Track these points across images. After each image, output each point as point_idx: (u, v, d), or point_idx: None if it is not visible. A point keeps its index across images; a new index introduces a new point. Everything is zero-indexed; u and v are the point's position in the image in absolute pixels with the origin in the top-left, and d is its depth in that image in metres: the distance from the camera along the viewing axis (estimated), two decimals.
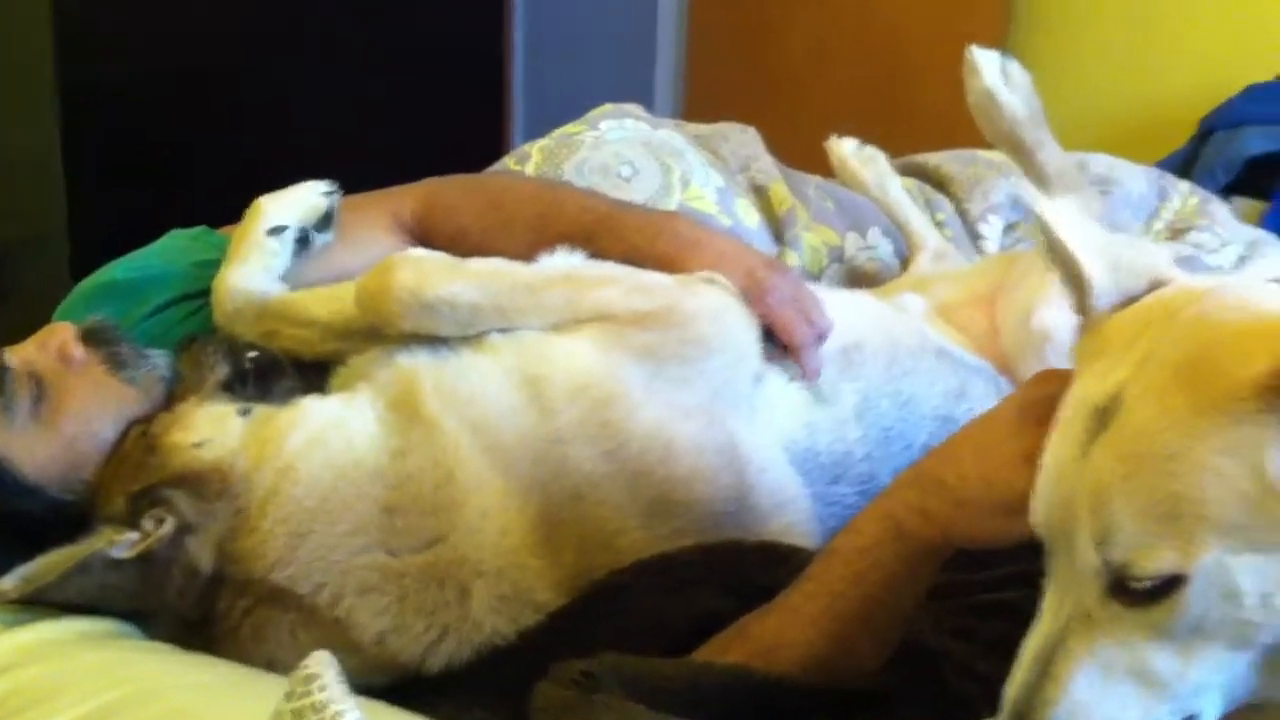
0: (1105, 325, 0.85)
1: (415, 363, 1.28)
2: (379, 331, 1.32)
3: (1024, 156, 1.71)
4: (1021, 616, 0.89)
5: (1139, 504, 0.75)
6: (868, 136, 2.20)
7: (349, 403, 1.28)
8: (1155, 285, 0.87)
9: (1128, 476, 0.76)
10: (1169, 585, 0.75)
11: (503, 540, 1.20)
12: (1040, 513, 0.84)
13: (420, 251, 1.36)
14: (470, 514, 1.20)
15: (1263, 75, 3.60)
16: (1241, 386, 0.72)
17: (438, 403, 1.24)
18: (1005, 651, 0.97)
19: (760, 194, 2.02)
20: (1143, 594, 0.76)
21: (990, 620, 1.16)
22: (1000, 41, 4.11)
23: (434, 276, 1.28)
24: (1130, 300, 0.87)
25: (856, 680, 1.03)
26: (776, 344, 1.39)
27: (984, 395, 1.53)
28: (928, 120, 2.87)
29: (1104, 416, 0.78)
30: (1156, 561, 0.75)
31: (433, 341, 1.31)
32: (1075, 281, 0.88)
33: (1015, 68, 1.68)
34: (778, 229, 1.99)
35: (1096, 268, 0.87)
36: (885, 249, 2.08)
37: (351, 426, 1.24)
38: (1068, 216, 0.90)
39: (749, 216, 1.94)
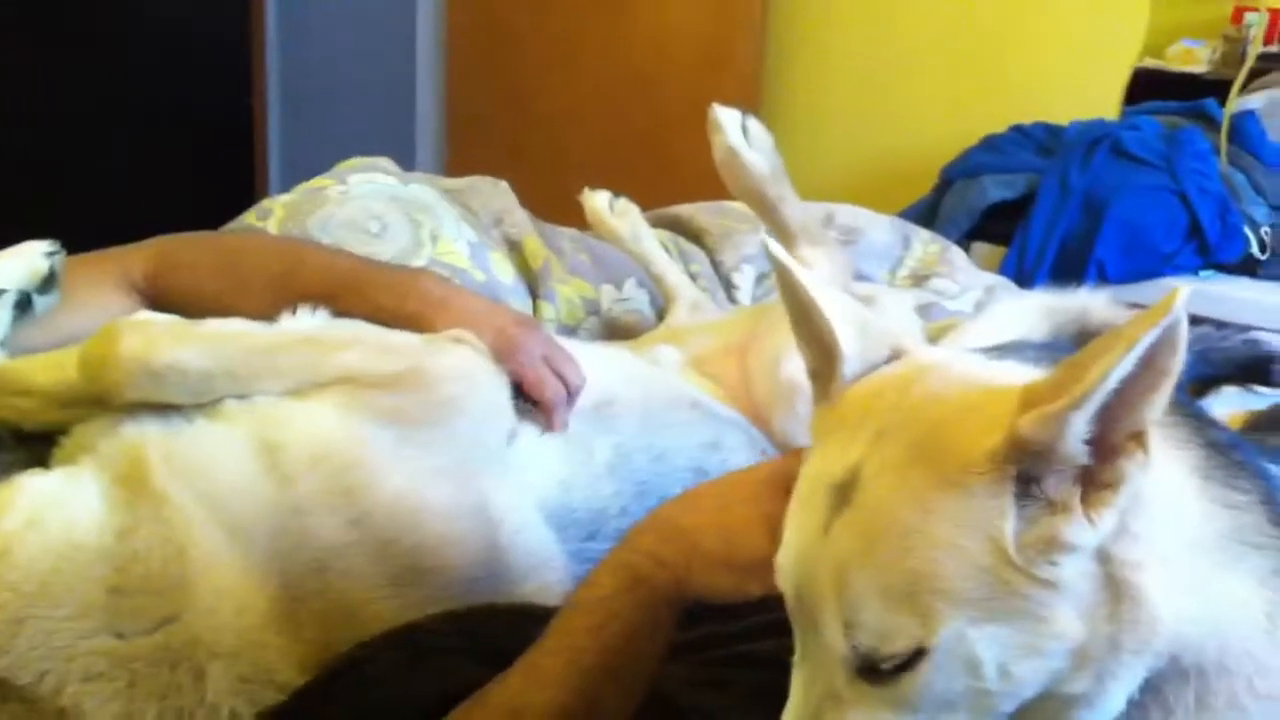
0: (841, 400, 0.85)
1: (143, 433, 1.21)
2: (106, 400, 1.24)
3: (767, 211, 1.76)
4: (774, 666, 0.89)
5: (879, 583, 0.75)
6: (622, 189, 2.22)
7: (71, 478, 1.20)
8: (895, 354, 0.88)
9: (867, 555, 0.76)
10: (911, 660, 0.75)
11: (240, 619, 1.14)
12: (786, 590, 0.84)
13: (148, 315, 1.29)
14: (204, 592, 1.14)
15: (998, 126, 3.79)
16: (973, 461, 0.74)
17: (167, 475, 1.17)
18: (758, 703, 0.97)
19: (514, 248, 2.01)
20: (888, 671, 0.76)
21: (742, 672, 1.16)
22: (753, 97, 4.23)
23: (161, 342, 1.21)
24: (871, 369, 0.87)
25: None
26: (529, 401, 1.38)
27: (738, 446, 1.54)
28: (681, 173, 2.92)
29: (843, 493, 0.79)
30: (899, 643, 0.75)
31: (164, 409, 1.24)
32: (824, 349, 0.88)
33: (755, 125, 1.73)
34: (533, 283, 1.98)
35: (849, 337, 0.87)
36: (641, 301, 2.10)
37: (73, 504, 1.16)
38: (818, 279, 0.90)
39: (503, 271, 1.93)
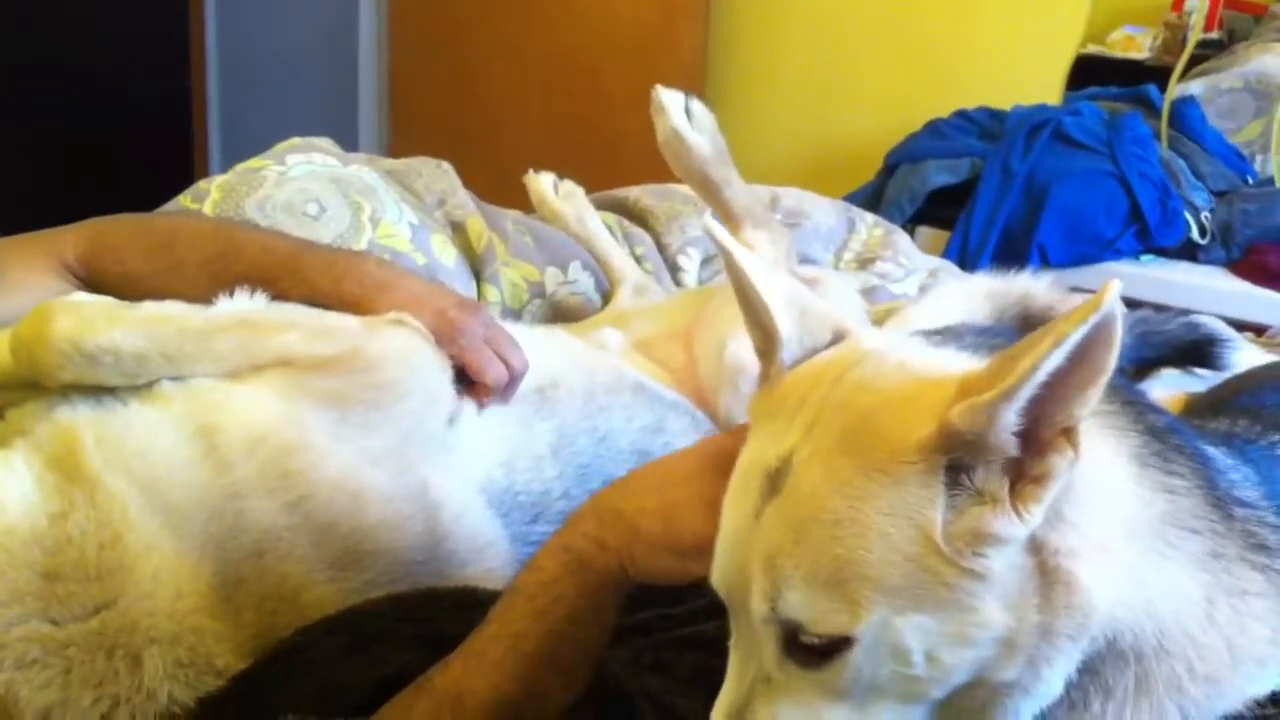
0: (780, 384, 0.85)
1: (76, 416, 1.19)
2: (39, 383, 1.22)
3: (711, 193, 1.76)
4: (716, 648, 0.89)
5: (807, 569, 0.76)
6: (566, 171, 2.21)
7: (3, 462, 1.17)
8: (838, 337, 0.88)
9: (796, 541, 0.76)
10: (839, 645, 0.76)
11: (177, 603, 1.12)
12: (718, 576, 0.84)
13: (81, 296, 1.27)
14: (140, 577, 1.12)
15: (942, 111, 3.81)
16: (903, 450, 0.74)
17: (101, 459, 1.15)
18: (702, 685, 0.97)
19: (457, 230, 1.99)
20: (815, 654, 0.76)
21: (686, 654, 1.16)
22: (698, 79, 4.23)
23: (95, 323, 1.19)
24: (813, 352, 0.87)
25: None
26: (471, 384, 1.37)
27: (682, 430, 1.54)
28: (624, 156, 2.92)
29: (775, 480, 0.79)
30: (824, 624, 0.75)
31: (98, 392, 1.21)
32: (765, 332, 0.88)
33: (699, 108, 1.72)
34: (476, 265, 1.97)
35: (786, 321, 0.87)
36: (586, 283, 2.09)
37: (4, 488, 1.14)
38: (760, 263, 0.90)
39: (445, 253, 1.91)
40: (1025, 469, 0.73)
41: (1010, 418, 0.71)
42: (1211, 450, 0.90)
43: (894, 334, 0.87)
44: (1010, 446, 0.73)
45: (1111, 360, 0.69)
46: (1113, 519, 0.78)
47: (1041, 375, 0.69)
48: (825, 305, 0.92)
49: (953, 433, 0.72)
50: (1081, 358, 0.69)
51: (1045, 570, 0.75)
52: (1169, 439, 0.84)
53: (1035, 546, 0.75)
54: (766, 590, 0.77)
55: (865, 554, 0.74)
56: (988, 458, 0.73)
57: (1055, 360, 0.68)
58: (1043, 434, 0.72)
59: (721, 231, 0.90)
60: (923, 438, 0.73)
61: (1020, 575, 0.74)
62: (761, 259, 0.92)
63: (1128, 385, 0.86)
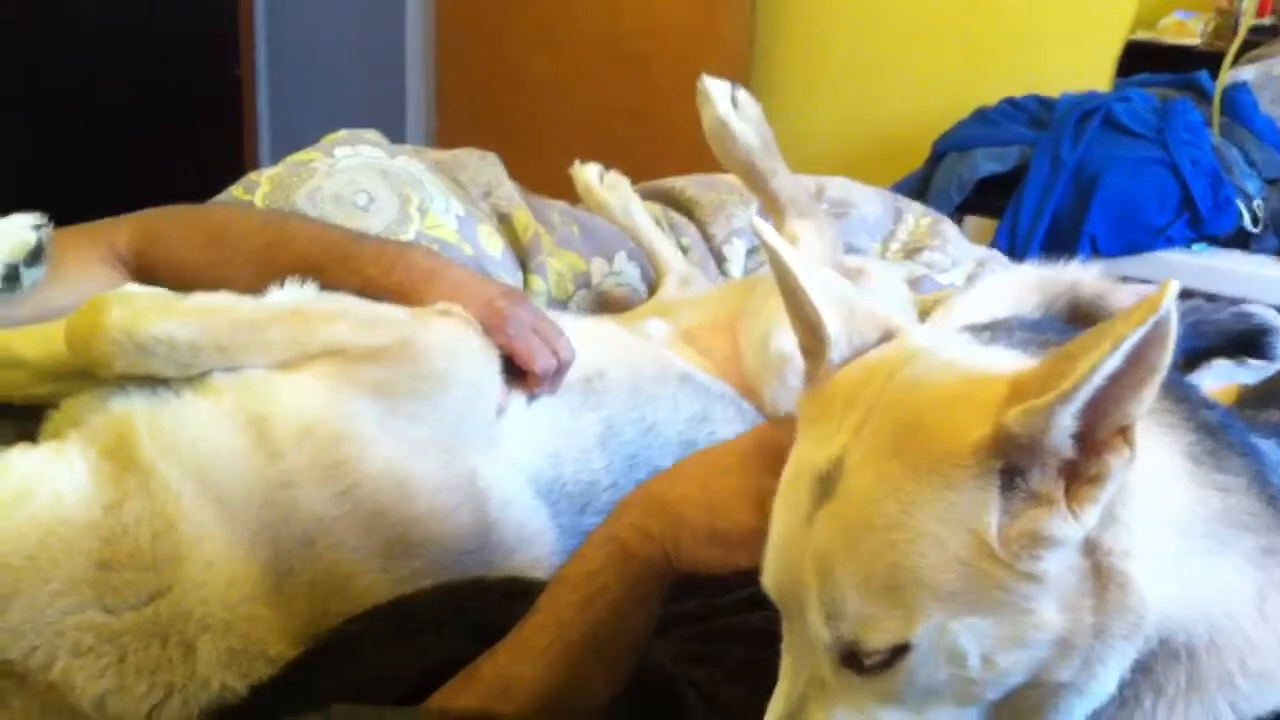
0: (829, 384, 0.85)
1: (130, 407, 1.20)
2: (93, 373, 1.24)
3: (757, 183, 1.75)
4: (762, 639, 0.89)
5: (861, 575, 0.75)
6: (611, 163, 2.21)
7: (58, 452, 1.19)
8: (886, 336, 0.88)
9: (850, 548, 0.76)
10: (896, 653, 0.75)
11: (230, 591, 1.13)
12: (770, 580, 0.84)
13: (135, 287, 1.28)
14: (194, 566, 1.13)
15: (990, 99, 3.78)
16: (957, 454, 0.73)
17: (155, 449, 1.16)
18: (748, 677, 0.97)
19: (503, 221, 1.99)
20: (873, 665, 0.76)
21: (732, 646, 1.16)
22: (744, 70, 4.22)
23: (149, 314, 1.20)
24: (861, 351, 0.87)
25: (591, 714, 1.01)
26: (519, 374, 1.37)
27: (727, 419, 1.54)
28: (670, 147, 2.91)
29: (826, 484, 0.78)
30: (882, 635, 0.75)
31: (151, 383, 1.23)
32: (813, 331, 0.88)
33: (745, 97, 1.72)
34: (522, 256, 1.97)
35: (835, 322, 0.86)
36: (632, 274, 2.09)
37: (60, 479, 1.15)
38: (807, 260, 0.89)
39: (492, 244, 1.92)
40: (1080, 470, 0.73)
41: (1067, 420, 0.71)
42: (1263, 445, 0.89)
43: (942, 331, 0.86)
44: (1066, 448, 0.72)
45: (1166, 360, 0.68)
46: (1166, 518, 0.78)
47: (1099, 379, 0.68)
48: (873, 303, 0.91)
49: (1008, 436, 0.72)
50: (1138, 358, 0.68)
51: (1100, 571, 0.74)
52: (1221, 435, 0.83)
53: (1090, 547, 0.74)
54: (821, 600, 0.77)
55: (920, 559, 0.73)
56: (1043, 460, 0.73)
57: (1113, 363, 0.68)
58: (1098, 434, 0.72)
59: (768, 229, 0.90)
60: (977, 440, 0.72)
61: (1075, 576, 0.74)
62: (808, 256, 0.91)
63: (1179, 380, 0.86)
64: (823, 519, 0.78)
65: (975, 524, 0.73)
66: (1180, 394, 0.83)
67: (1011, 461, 0.73)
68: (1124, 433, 0.72)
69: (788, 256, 0.88)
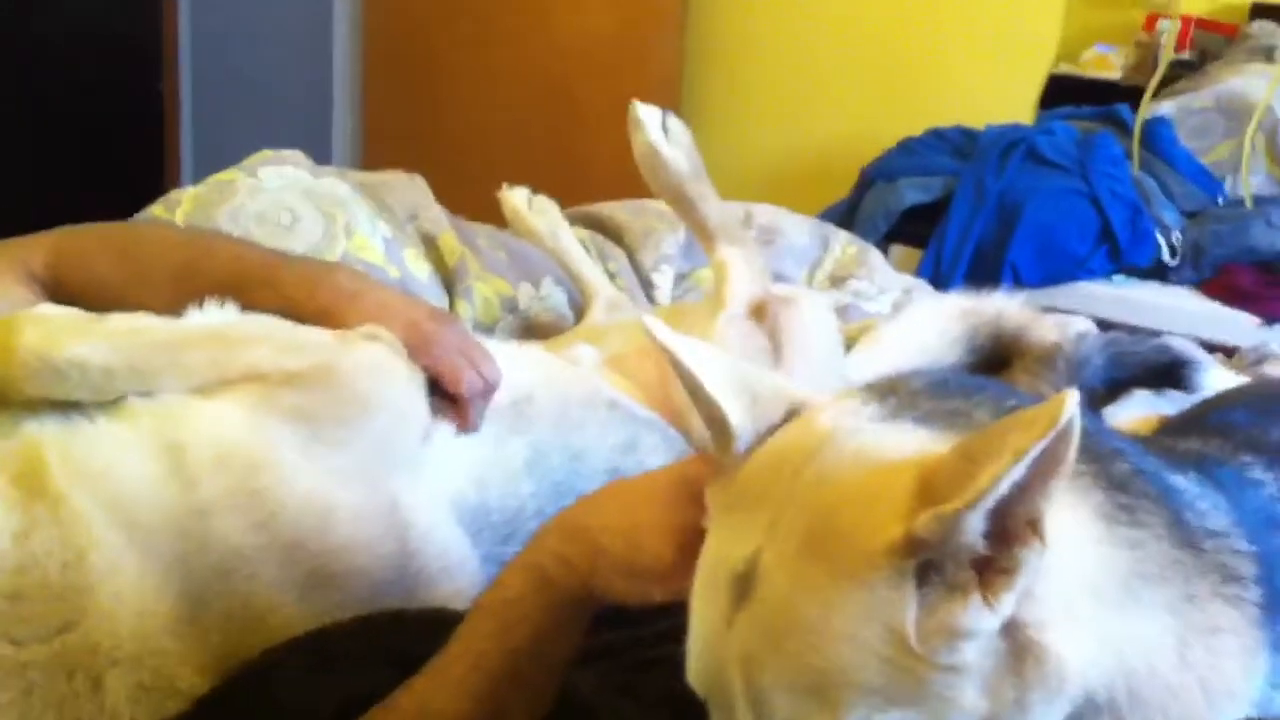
0: (738, 474, 0.85)
1: (41, 432, 1.16)
2: (4, 398, 1.20)
3: (686, 209, 1.75)
4: (677, 670, 0.88)
5: (786, 678, 0.75)
6: (540, 186, 2.21)
7: None
8: (792, 413, 0.87)
9: (773, 650, 0.76)
10: None
11: (140, 624, 1.10)
12: (695, 677, 0.84)
13: (49, 308, 1.25)
14: (104, 597, 1.10)
15: (915, 129, 3.83)
16: (870, 555, 0.73)
17: (65, 476, 1.13)
18: (669, 708, 0.96)
19: (430, 244, 1.98)
20: None
21: (656, 677, 1.15)
22: (673, 98, 4.23)
23: (62, 336, 1.17)
24: (769, 432, 0.87)
25: None
26: (443, 396, 1.35)
27: (655, 448, 1.53)
28: (598, 174, 2.91)
29: (744, 585, 0.78)
30: None
31: (64, 407, 1.19)
32: (717, 424, 0.87)
33: (675, 123, 1.72)
34: (449, 280, 1.96)
35: (737, 412, 0.86)
36: (559, 299, 2.08)
37: None
38: (701, 353, 0.88)
39: (418, 267, 1.90)
40: (994, 561, 0.73)
41: (975, 523, 0.71)
42: (1179, 481, 0.89)
43: (848, 403, 0.85)
44: (978, 545, 0.72)
45: (1070, 460, 0.69)
46: (1079, 583, 0.78)
47: (1002, 489, 0.69)
48: (775, 379, 0.91)
49: (918, 541, 0.72)
50: (1041, 463, 0.69)
51: (1017, 647, 0.75)
52: (1133, 486, 0.84)
53: (1006, 627, 0.74)
54: (748, 700, 0.77)
55: (842, 659, 0.74)
56: (955, 556, 0.73)
57: (1015, 474, 0.68)
58: (1009, 529, 0.72)
59: (657, 326, 0.89)
60: (889, 542, 0.72)
61: (995, 659, 0.74)
62: (701, 347, 0.90)
63: (1091, 427, 0.85)
64: (743, 621, 0.78)
65: (893, 622, 0.73)
66: (1091, 451, 0.83)
67: (924, 559, 0.73)
68: (1033, 525, 0.72)
69: (681, 352, 0.87)
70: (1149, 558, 0.81)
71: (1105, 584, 0.79)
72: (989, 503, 0.70)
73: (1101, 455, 0.84)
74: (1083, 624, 0.77)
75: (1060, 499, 0.75)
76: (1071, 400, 0.67)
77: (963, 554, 0.72)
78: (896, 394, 0.85)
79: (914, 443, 0.79)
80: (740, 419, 0.86)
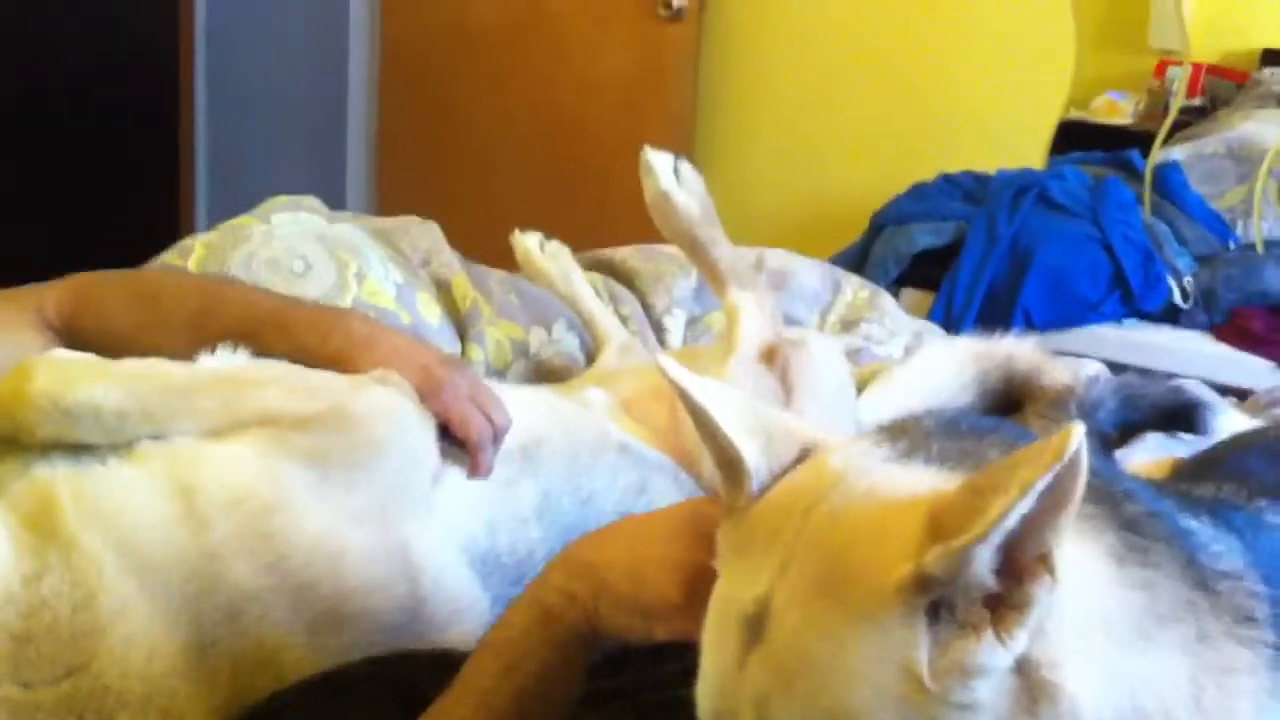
0: (750, 515, 0.85)
1: (53, 475, 1.17)
2: (18, 440, 1.21)
3: (698, 254, 1.76)
4: (690, 712, 0.88)
5: (799, 718, 0.75)
6: (552, 229, 2.22)
7: None
8: (805, 453, 0.87)
9: (785, 691, 0.76)
10: None
11: (150, 666, 1.10)
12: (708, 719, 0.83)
13: (62, 353, 1.26)
14: (114, 640, 1.10)
15: (927, 174, 3.84)
16: (881, 594, 0.73)
17: (77, 519, 1.13)
18: None
19: (442, 289, 1.99)
20: None
21: (665, 718, 1.14)
22: (685, 141, 4.26)
23: (75, 379, 1.18)
24: (782, 473, 0.86)
25: None
26: (454, 441, 1.36)
27: (665, 490, 1.53)
28: (610, 216, 2.92)
29: (755, 626, 0.78)
30: None
31: (77, 450, 1.20)
32: (731, 464, 0.87)
33: (687, 168, 1.73)
34: (461, 324, 1.97)
35: (752, 452, 0.86)
36: (571, 343, 2.08)
37: None
38: (716, 393, 0.88)
39: (430, 312, 1.91)
40: (1005, 598, 0.73)
41: (984, 558, 0.71)
42: (1193, 524, 0.89)
43: (860, 444, 0.85)
44: (988, 581, 0.72)
45: (1079, 493, 0.69)
46: (1092, 622, 0.77)
47: (1011, 522, 0.69)
48: (789, 420, 0.91)
49: (929, 578, 0.72)
50: (1049, 496, 0.69)
51: (1030, 685, 0.74)
52: (1146, 528, 0.83)
53: (1019, 665, 0.74)
54: None
55: (855, 699, 0.73)
56: (967, 592, 0.73)
57: (1023, 507, 0.68)
58: (1019, 564, 0.72)
59: (672, 365, 0.88)
60: (899, 580, 0.72)
61: (1008, 697, 0.74)
62: (716, 385, 0.90)
63: (1104, 473, 0.85)
64: (755, 662, 0.78)
65: (906, 660, 0.73)
66: (1103, 492, 0.83)
67: (936, 595, 0.73)
68: (1044, 559, 0.72)
69: (695, 390, 0.87)
70: (1161, 598, 0.81)
71: (1118, 622, 0.78)
72: (997, 537, 0.70)
73: (1114, 496, 0.84)
74: (1096, 662, 0.76)
75: (1072, 538, 0.75)
76: (1077, 433, 0.67)
77: (973, 590, 0.72)
78: (909, 435, 0.85)
79: (925, 482, 0.79)
80: (755, 459, 0.86)
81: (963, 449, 0.83)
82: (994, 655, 0.72)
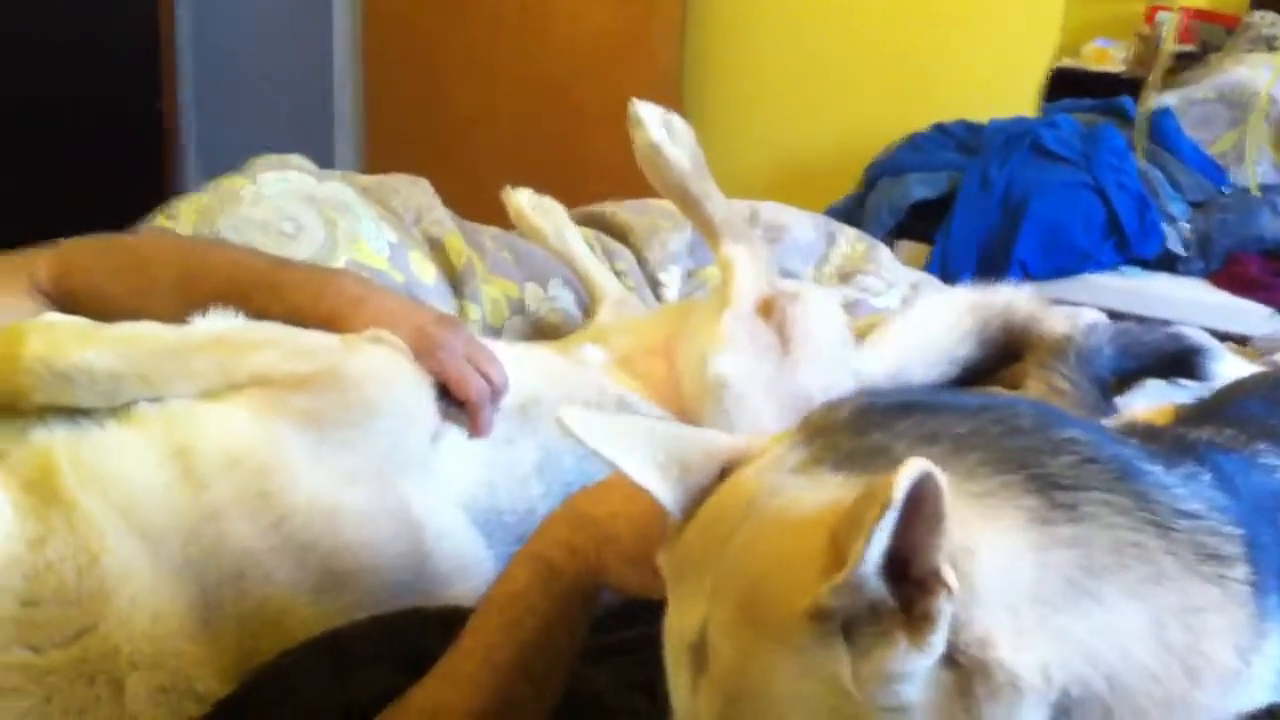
0: (680, 541, 0.86)
1: (51, 439, 1.17)
2: (12, 406, 1.20)
3: (690, 207, 1.75)
4: None
5: None
6: (542, 186, 2.20)
7: None
8: (728, 468, 0.88)
9: (732, 716, 0.78)
10: None
11: (157, 627, 1.10)
12: None
13: (55, 316, 1.25)
14: (120, 601, 1.10)
15: (920, 124, 3.82)
16: (795, 620, 0.74)
17: (77, 482, 1.13)
18: None
19: (436, 247, 1.97)
20: None
21: None
22: (674, 96, 4.23)
23: (68, 343, 1.17)
24: (704, 496, 0.87)
25: None
26: (452, 401, 1.35)
27: None
28: (600, 173, 2.91)
29: (698, 654, 0.80)
30: None
31: (74, 414, 1.19)
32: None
33: (678, 121, 1.71)
34: (456, 282, 1.95)
35: (665, 490, 0.87)
36: (566, 299, 2.07)
37: None
38: (625, 433, 0.88)
39: (425, 271, 1.89)
40: (913, 607, 0.73)
41: (872, 584, 0.71)
42: (1151, 467, 0.87)
43: (774, 452, 0.85)
44: (888, 599, 0.72)
45: (942, 519, 0.69)
46: (1018, 593, 0.77)
47: (868, 566, 0.69)
48: (708, 438, 0.91)
49: (829, 608, 0.72)
50: (911, 525, 0.69)
51: (960, 671, 0.74)
52: (1079, 478, 0.82)
53: (944, 658, 0.74)
54: None
55: (792, 717, 0.75)
56: (873, 610, 0.73)
57: (874, 551, 0.69)
58: (915, 579, 0.72)
59: (578, 422, 0.87)
60: (808, 608, 0.73)
61: (940, 689, 0.74)
62: (623, 427, 0.89)
63: (1027, 424, 0.84)
64: (704, 688, 0.79)
65: (830, 676, 0.74)
66: (1023, 454, 0.82)
67: (844, 617, 0.73)
68: (935, 574, 0.72)
69: (600, 443, 0.86)
70: (1097, 548, 0.79)
71: (1049, 586, 0.78)
72: (868, 570, 0.70)
73: (1038, 455, 0.82)
74: (1030, 630, 0.76)
75: (981, 518, 0.77)
76: (908, 473, 0.66)
77: (877, 607, 0.73)
78: (822, 434, 0.85)
79: (828, 494, 0.79)
80: (669, 494, 0.86)
81: (871, 445, 0.82)
82: (912, 661, 0.73)
